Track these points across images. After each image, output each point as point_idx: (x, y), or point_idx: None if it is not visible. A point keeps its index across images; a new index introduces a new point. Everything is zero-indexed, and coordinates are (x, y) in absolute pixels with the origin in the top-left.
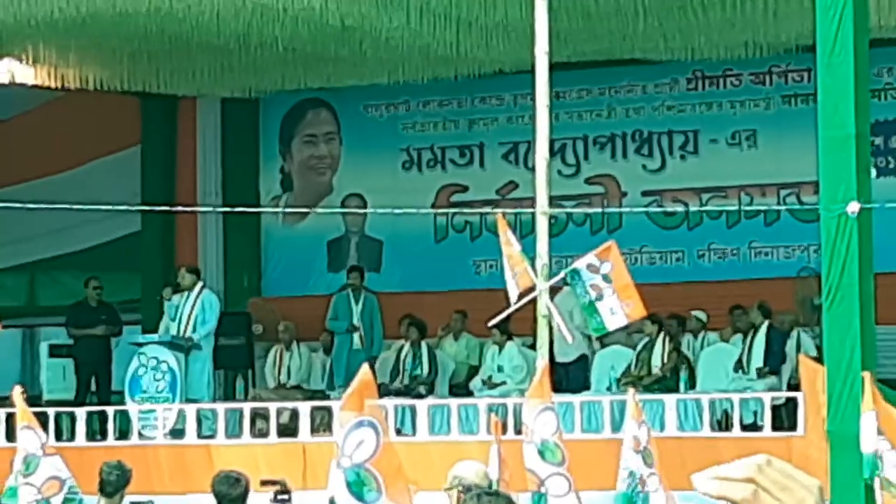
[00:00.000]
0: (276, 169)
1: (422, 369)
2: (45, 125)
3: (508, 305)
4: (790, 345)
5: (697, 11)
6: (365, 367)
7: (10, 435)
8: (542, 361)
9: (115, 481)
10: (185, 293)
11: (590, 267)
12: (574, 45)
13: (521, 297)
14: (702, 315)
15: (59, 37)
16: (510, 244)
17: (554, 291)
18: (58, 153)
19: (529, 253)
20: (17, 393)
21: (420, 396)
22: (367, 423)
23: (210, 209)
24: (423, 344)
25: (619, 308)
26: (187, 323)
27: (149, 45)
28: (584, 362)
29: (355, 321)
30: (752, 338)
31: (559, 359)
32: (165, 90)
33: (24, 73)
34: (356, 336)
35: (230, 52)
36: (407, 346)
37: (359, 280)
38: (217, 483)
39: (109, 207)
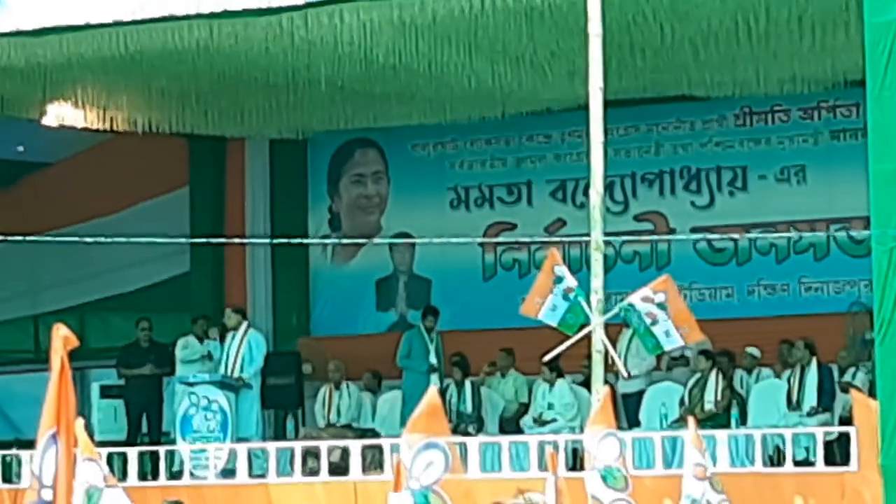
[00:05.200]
0: (325, 209)
1: (465, 407)
2: (93, 168)
3: (559, 343)
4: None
5: (744, 46)
6: (432, 389)
7: None
8: (605, 389)
9: None
10: (232, 333)
11: (644, 299)
12: (621, 82)
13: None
14: (755, 351)
15: (107, 76)
16: (548, 275)
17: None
18: (106, 196)
19: (583, 288)
20: (79, 426)
21: (468, 434)
22: (435, 445)
23: (259, 241)
24: (467, 382)
25: (674, 332)
26: (234, 362)
27: (197, 85)
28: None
29: (433, 361)
30: (803, 376)
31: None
32: (213, 132)
33: (73, 115)
34: (434, 376)
35: (278, 91)
36: (452, 385)
37: (434, 322)
38: None
39: (158, 240)
